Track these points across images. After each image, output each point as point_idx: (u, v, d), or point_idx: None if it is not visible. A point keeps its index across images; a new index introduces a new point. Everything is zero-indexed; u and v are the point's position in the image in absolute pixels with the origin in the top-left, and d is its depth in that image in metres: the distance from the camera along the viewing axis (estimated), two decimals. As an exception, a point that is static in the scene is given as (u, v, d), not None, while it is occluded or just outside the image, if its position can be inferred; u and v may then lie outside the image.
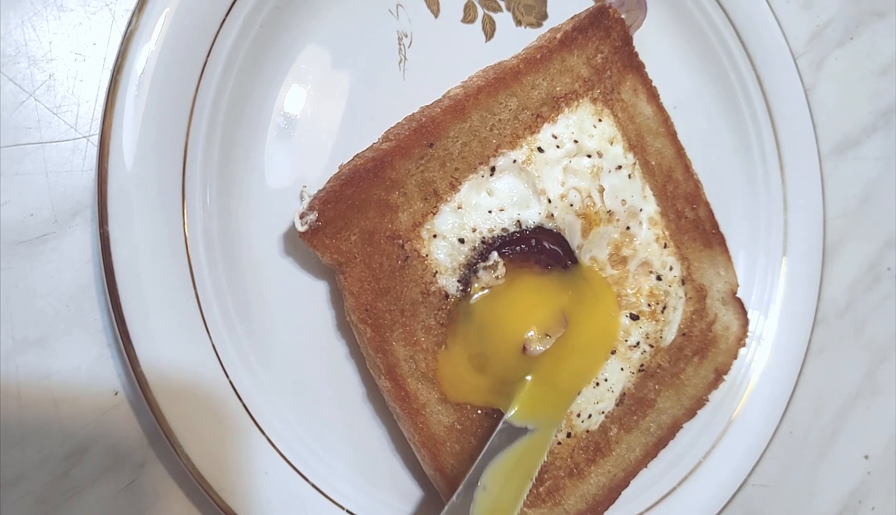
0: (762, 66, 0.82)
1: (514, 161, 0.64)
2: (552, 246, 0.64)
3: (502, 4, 0.73)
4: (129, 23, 0.56)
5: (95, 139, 0.59)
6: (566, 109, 0.67)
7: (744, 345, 0.78)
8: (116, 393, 0.59)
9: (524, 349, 0.61)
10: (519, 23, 0.74)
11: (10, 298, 0.57)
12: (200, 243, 0.58)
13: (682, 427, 0.74)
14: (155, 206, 0.56)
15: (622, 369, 0.70)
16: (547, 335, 0.61)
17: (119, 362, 0.59)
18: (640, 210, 0.70)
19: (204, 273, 0.58)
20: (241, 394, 0.59)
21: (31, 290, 0.57)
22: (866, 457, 0.95)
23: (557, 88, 0.67)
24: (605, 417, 0.69)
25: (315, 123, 0.65)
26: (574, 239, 0.66)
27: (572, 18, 0.69)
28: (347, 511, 0.61)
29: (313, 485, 0.60)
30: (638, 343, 0.70)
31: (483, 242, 0.63)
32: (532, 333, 0.61)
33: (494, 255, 0.62)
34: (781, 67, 0.83)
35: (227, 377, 0.58)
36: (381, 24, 0.68)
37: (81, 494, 0.58)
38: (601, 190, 0.67)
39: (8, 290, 0.57)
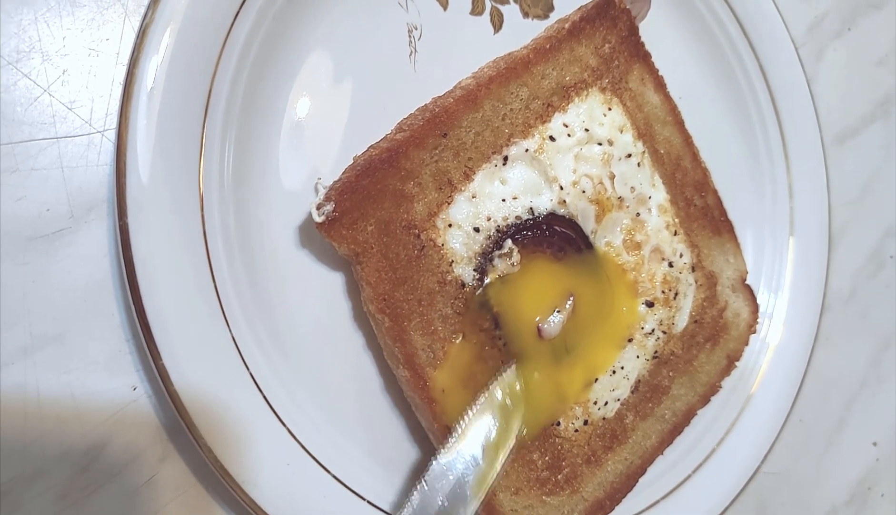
0: (765, 56, 0.83)
1: (527, 150, 0.64)
2: (563, 229, 0.65)
3: (510, -3, 0.74)
4: (144, 16, 0.56)
5: (110, 134, 0.59)
6: (576, 99, 0.67)
7: (754, 331, 0.79)
8: (135, 388, 0.59)
9: (539, 332, 0.62)
10: (526, 15, 0.75)
11: (27, 293, 0.56)
12: (218, 235, 0.58)
13: (696, 414, 0.75)
14: (173, 199, 0.56)
15: (637, 356, 0.70)
16: (557, 311, 0.62)
17: (137, 357, 0.59)
18: (650, 197, 0.71)
19: (222, 266, 0.58)
20: (261, 386, 0.59)
21: (49, 285, 0.57)
22: (874, 444, 0.96)
23: (567, 78, 0.67)
24: (621, 404, 0.70)
25: (328, 116, 0.66)
26: (588, 224, 0.66)
27: (579, 9, 0.69)
28: (367, 501, 0.61)
29: (334, 476, 0.60)
30: (653, 330, 0.70)
31: (498, 230, 0.63)
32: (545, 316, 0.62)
33: (509, 242, 0.62)
34: (784, 56, 0.84)
35: (248, 369, 0.58)
36: (392, 18, 0.69)
37: (101, 489, 0.57)
38: (612, 177, 0.68)
39: (25, 286, 0.56)
